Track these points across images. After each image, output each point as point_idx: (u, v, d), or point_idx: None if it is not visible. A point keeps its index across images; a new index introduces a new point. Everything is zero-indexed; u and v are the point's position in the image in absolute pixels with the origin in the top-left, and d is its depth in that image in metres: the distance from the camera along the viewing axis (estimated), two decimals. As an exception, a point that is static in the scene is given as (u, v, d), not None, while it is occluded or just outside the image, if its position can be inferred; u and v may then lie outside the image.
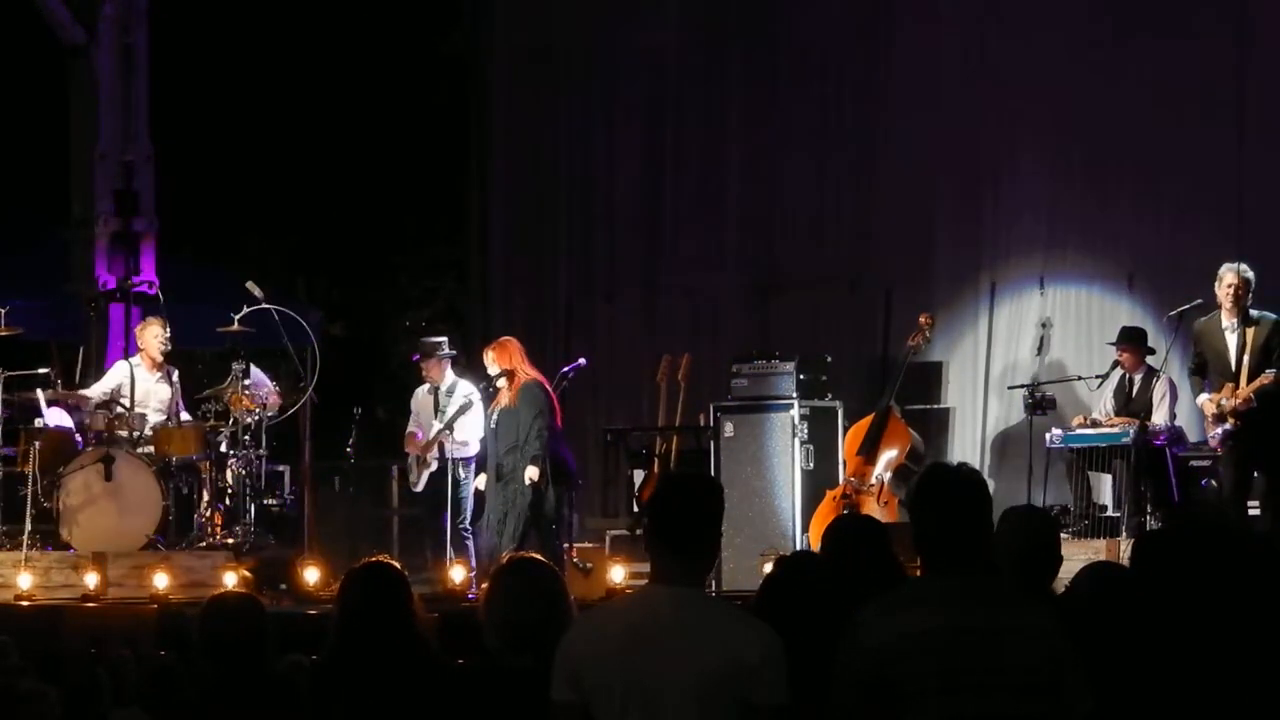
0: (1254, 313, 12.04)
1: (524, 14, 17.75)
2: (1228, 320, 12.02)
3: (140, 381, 13.81)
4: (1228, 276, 12.03)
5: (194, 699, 6.24)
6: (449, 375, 14.05)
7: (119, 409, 13.63)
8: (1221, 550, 5.94)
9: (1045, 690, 4.79)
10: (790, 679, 4.76)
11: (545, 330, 16.91)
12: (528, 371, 13.33)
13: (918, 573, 5.02)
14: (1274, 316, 12.00)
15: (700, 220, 16.74)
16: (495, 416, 13.31)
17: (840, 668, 4.86)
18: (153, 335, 13.94)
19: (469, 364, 14.40)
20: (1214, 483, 12.62)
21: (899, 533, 6.69)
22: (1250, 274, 12.09)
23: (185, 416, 13.84)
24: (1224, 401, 11.90)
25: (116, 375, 14.06)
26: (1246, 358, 11.86)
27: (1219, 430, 12.11)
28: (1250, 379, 11.83)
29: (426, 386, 14.13)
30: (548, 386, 13.41)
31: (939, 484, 5.00)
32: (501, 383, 13.30)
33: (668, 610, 4.78)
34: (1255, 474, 12.06)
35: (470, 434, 13.73)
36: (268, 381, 14.05)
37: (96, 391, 14.00)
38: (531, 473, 13.02)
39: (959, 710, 4.76)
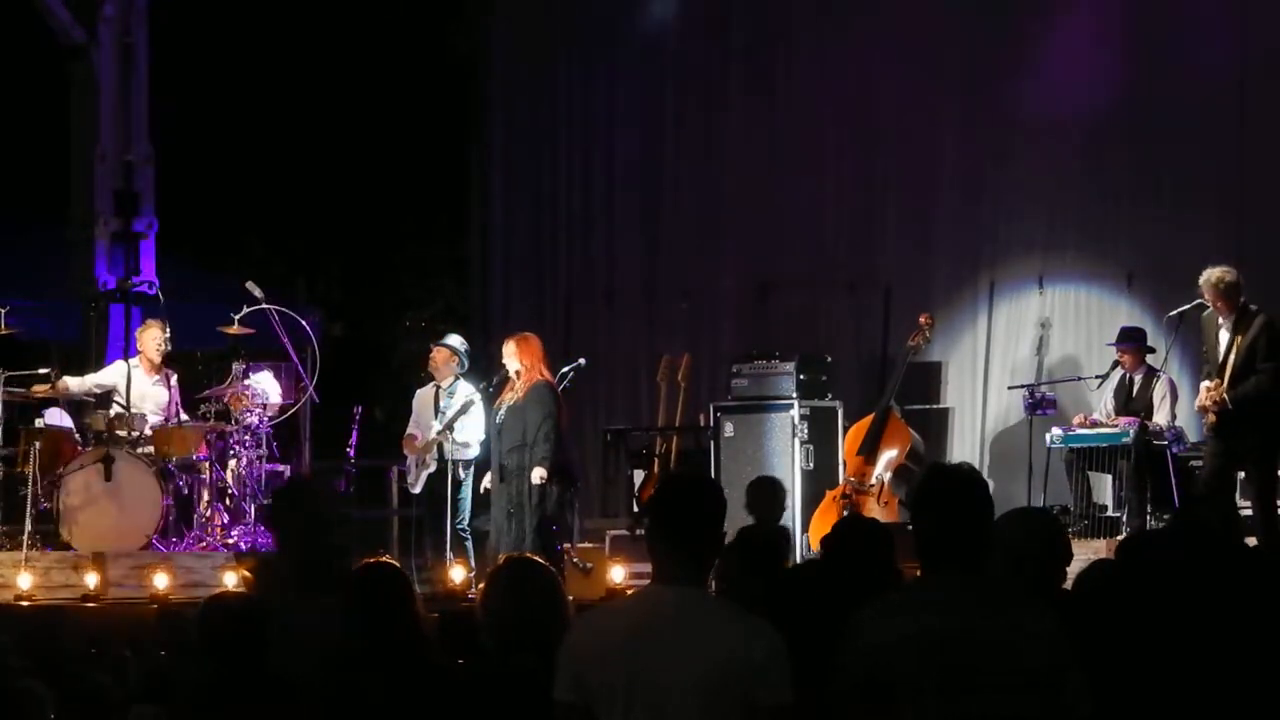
0: (1253, 308, 12.00)
1: (524, 14, 17.75)
2: (1223, 318, 12.02)
3: (137, 383, 13.80)
4: (1203, 289, 12.00)
5: (194, 699, 6.24)
6: (451, 375, 14.05)
7: (117, 409, 13.62)
8: (1210, 550, 5.95)
9: (1045, 691, 4.79)
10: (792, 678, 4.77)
11: (545, 330, 16.88)
12: (543, 372, 13.28)
13: (917, 574, 5.02)
14: (1264, 318, 11.95)
15: (700, 220, 16.74)
16: (501, 413, 13.23)
17: (839, 668, 4.87)
18: (150, 339, 13.92)
19: (469, 365, 14.38)
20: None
21: (899, 533, 6.71)
22: (1228, 279, 11.94)
23: (185, 418, 13.85)
24: (1211, 392, 11.91)
25: (112, 374, 14.06)
26: (1232, 355, 11.87)
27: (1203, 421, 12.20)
28: (1233, 376, 11.83)
29: (429, 386, 14.13)
30: (557, 389, 13.38)
31: (939, 484, 5.00)
32: (513, 377, 13.24)
33: (670, 610, 4.78)
34: (1241, 474, 12.08)
35: (471, 435, 13.71)
36: (272, 381, 14.04)
37: (81, 383, 13.99)
38: (540, 473, 12.94)
39: (958, 710, 4.76)
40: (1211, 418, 11.89)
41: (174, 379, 13.99)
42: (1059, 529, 6.31)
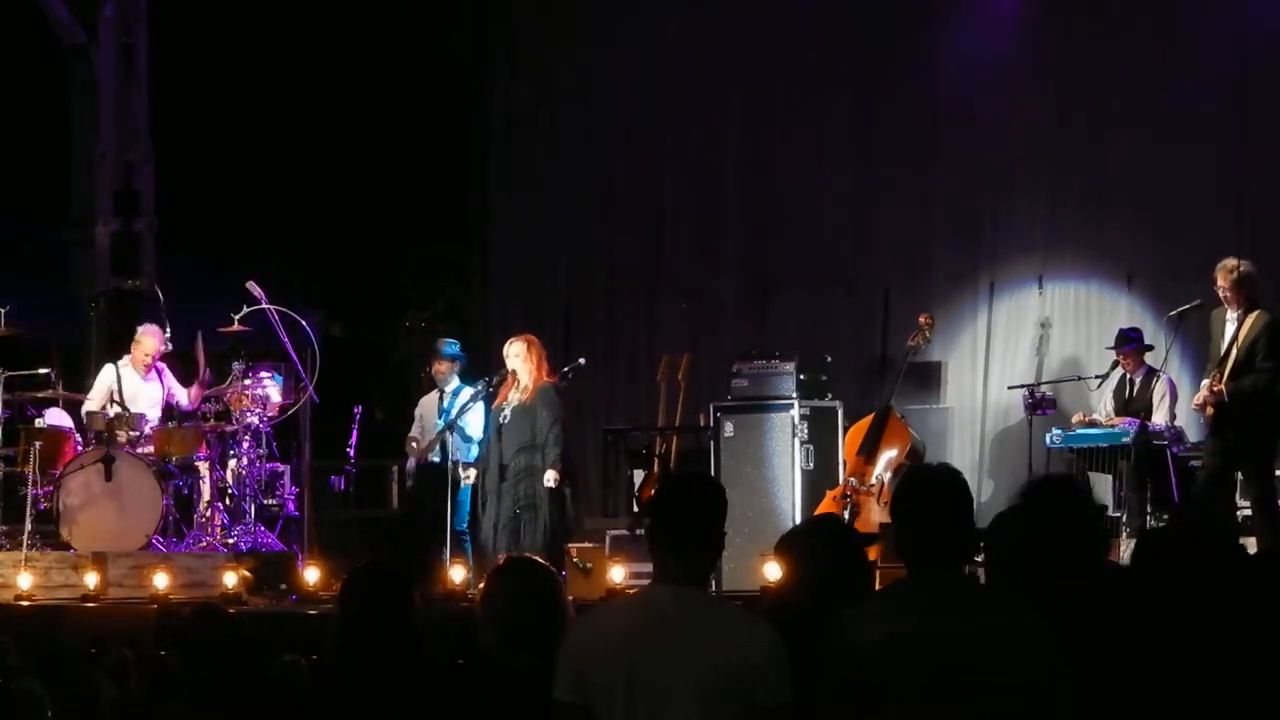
0: (1261, 305, 12.00)
1: (523, 14, 17.75)
2: (1231, 312, 12.04)
3: (130, 383, 13.82)
4: (1217, 277, 12.04)
5: (195, 699, 6.24)
6: (454, 378, 14.10)
7: (116, 409, 13.63)
8: (1216, 554, 5.94)
9: (1031, 691, 4.78)
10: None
11: (545, 330, 16.88)
12: (549, 374, 13.34)
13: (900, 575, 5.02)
14: (1268, 317, 11.95)
15: (700, 220, 16.74)
16: (506, 413, 13.24)
17: (824, 668, 4.86)
18: (142, 352, 13.91)
19: (469, 365, 14.40)
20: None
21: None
22: (1243, 269, 11.98)
23: (184, 401, 13.83)
24: (1210, 389, 11.92)
25: (104, 380, 14.04)
26: (1235, 350, 11.88)
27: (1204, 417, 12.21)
28: (1234, 371, 11.83)
29: (433, 392, 14.19)
30: (563, 392, 13.44)
31: (919, 485, 5.02)
32: (522, 378, 13.26)
33: (671, 610, 4.79)
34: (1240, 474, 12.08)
35: (477, 431, 13.73)
36: (275, 380, 14.05)
37: (90, 404, 13.99)
38: (554, 476, 13.03)
39: (945, 711, 4.75)
40: (1210, 410, 11.90)
41: (167, 371, 14.00)
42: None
